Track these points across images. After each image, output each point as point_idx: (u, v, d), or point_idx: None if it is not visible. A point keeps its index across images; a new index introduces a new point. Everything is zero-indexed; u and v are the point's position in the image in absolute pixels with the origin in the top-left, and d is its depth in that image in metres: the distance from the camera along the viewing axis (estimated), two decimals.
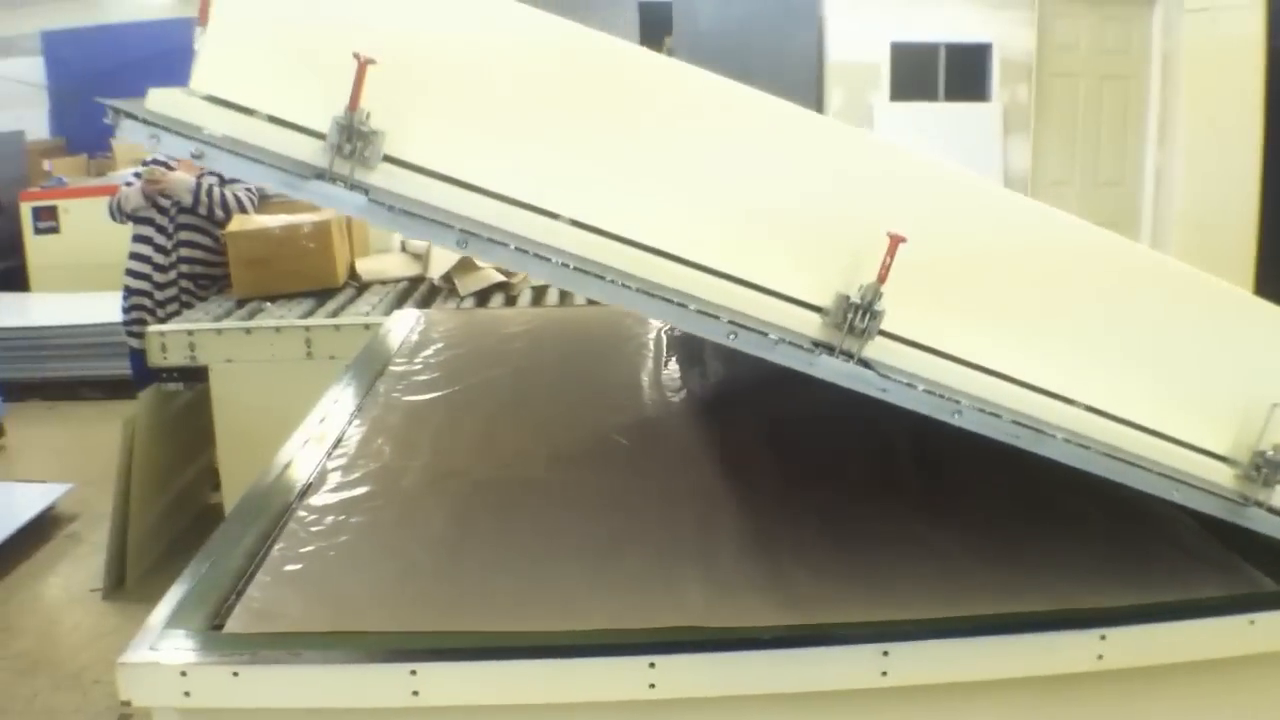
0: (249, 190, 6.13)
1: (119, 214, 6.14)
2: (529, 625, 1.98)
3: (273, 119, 1.76)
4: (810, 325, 1.90)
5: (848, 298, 1.86)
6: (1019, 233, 2.03)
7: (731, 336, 1.85)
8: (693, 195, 1.90)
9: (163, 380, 5.59)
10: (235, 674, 1.85)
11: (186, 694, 1.84)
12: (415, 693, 1.86)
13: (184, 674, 1.84)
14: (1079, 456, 1.97)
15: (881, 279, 1.84)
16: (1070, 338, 2.05)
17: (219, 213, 6.02)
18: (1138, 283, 2.09)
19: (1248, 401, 2.09)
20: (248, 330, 5.30)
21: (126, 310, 6.22)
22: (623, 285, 1.81)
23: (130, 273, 6.17)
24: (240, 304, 5.74)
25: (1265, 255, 7.23)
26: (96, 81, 12.35)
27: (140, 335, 5.67)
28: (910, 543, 2.31)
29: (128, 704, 1.86)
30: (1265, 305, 2.16)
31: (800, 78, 9.13)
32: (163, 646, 1.88)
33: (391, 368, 3.62)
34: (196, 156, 1.72)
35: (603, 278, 1.81)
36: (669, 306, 1.83)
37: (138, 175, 6.06)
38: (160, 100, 1.74)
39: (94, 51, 12.53)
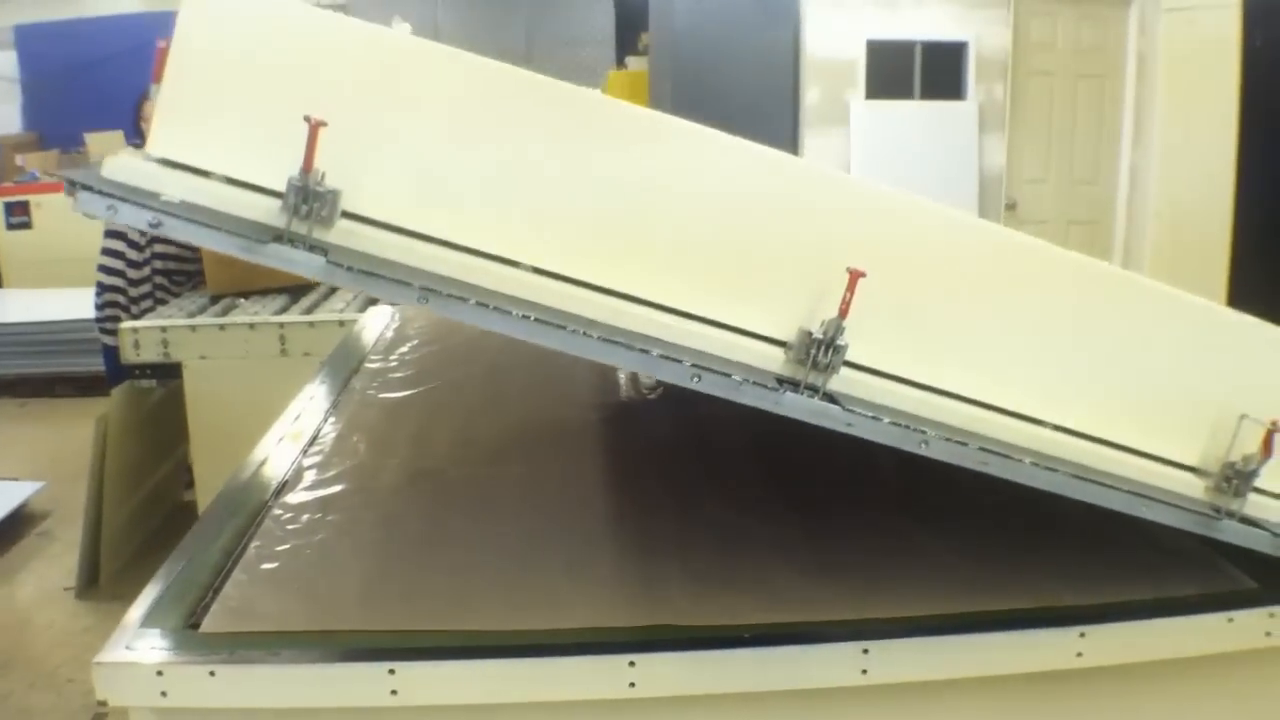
0: None
1: None
2: (508, 624, 1.97)
3: (230, 180, 1.75)
4: (774, 361, 1.89)
5: (810, 333, 1.86)
6: (979, 258, 2.03)
7: (695, 379, 1.83)
8: (651, 235, 1.89)
9: (136, 377, 5.54)
10: (212, 673, 1.83)
11: (163, 694, 1.82)
12: (394, 692, 1.85)
13: (160, 673, 1.82)
14: (1048, 480, 1.97)
15: (843, 314, 1.84)
16: (1035, 359, 2.06)
17: None
18: (1100, 301, 2.08)
19: (1216, 413, 2.10)
20: (222, 327, 5.27)
21: (100, 307, 6.18)
22: (584, 334, 1.80)
23: (103, 269, 6.12)
24: (214, 300, 5.71)
25: (1239, 254, 7.26)
26: (70, 76, 12.30)
27: (114, 332, 5.63)
28: (891, 540, 2.31)
29: (104, 704, 1.85)
30: (1229, 316, 2.17)
31: (777, 75, 9.13)
32: (139, 646, 1.86)
33: (367, 364, 3.61)
34: (154, 225, 1.70)
35: (564, 327, 1.79)
36: (631, 353, 1.81)
37: None
38: (116, 167, 1.73)
39: (67, 46, 12.48)
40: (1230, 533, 2.08)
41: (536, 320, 1.78)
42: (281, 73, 1.77)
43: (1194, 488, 2.09)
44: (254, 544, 2.25)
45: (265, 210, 1.72)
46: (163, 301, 5.92)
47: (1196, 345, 2.13)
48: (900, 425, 1.89)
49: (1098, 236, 9.16)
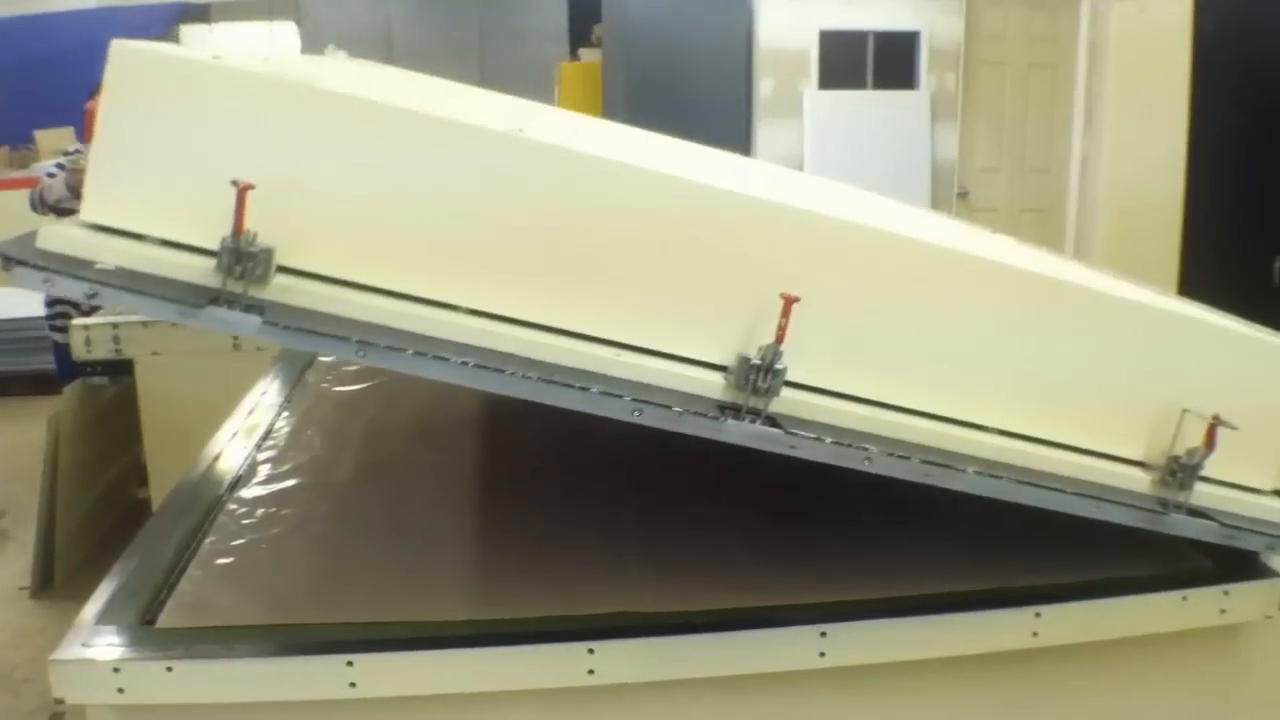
0: None
1: (41, 206, 6.02)
2: (466, 614, 1.97)
3: (164, 242, 1.73)
4: (714, 388, 1.89)
5: (748, 359, 1.86)
6: (913, 272, 2.03)
7: (636, 414, 1.82)
8: (587, 270, 1.89)
9: (88, 375, 5.50)
10: (169, 669, 1.82)
11: (120, 690, 1.82)
12: (353, 684, 1.85)
13: (117, 670, 1.82)
14: (991, 487, 1.98)
15: (779, 340, 1.84)
16: (974, 367, 2.07)
17: None
18: (1034, 306, 2.09)
19: (1158, 408, 2.12)
20: (174, 323, 5.21)
21: (50, 304, 6.12)
22: (523, 376, 1.78)
23: None
24: None
25: (1190, 241, 7.33)
26: (20, 72, 12.15)
27: (64, 330, 5.58)
28: (849, 525, 2.32)
29: (61, 702, 1.83)
30: (1165, 311, 2.19)
31: (730, 66, 9.14)
32: (95, 643, 1.85)
33: (320, 358, 3.59)
34: (90, 296, 1.69)
35: (502, 371, 1.77)
36: (571, 392, 1.80)
37: (60, 166, 5.96)
38: (51, 238, 1.72)
39: (19, 42, 12.36)
40: (1179, 526, 2.10)
41: (475, 366, 1.76)
42: (207, 133, 1.75)
43: (1140, 482, 2.11)
44: (209, 539, 2.24)
45: (201, 270, 1.71)
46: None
47: (1133, 343, 2.14)
48: (842, 444, 1.89)
49: (1049, 224, 9.21)
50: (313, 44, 17.48)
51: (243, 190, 1.65)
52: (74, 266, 1.68)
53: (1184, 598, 2.14)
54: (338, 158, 1.79)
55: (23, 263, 1.68)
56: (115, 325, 5.17)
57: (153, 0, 14.92)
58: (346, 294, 1.78)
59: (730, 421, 1.84)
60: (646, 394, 1.83)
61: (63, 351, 5.74)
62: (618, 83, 9.78)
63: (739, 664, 1.98)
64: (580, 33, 13.62)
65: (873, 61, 9.35)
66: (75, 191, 5.89)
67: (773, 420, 1.87)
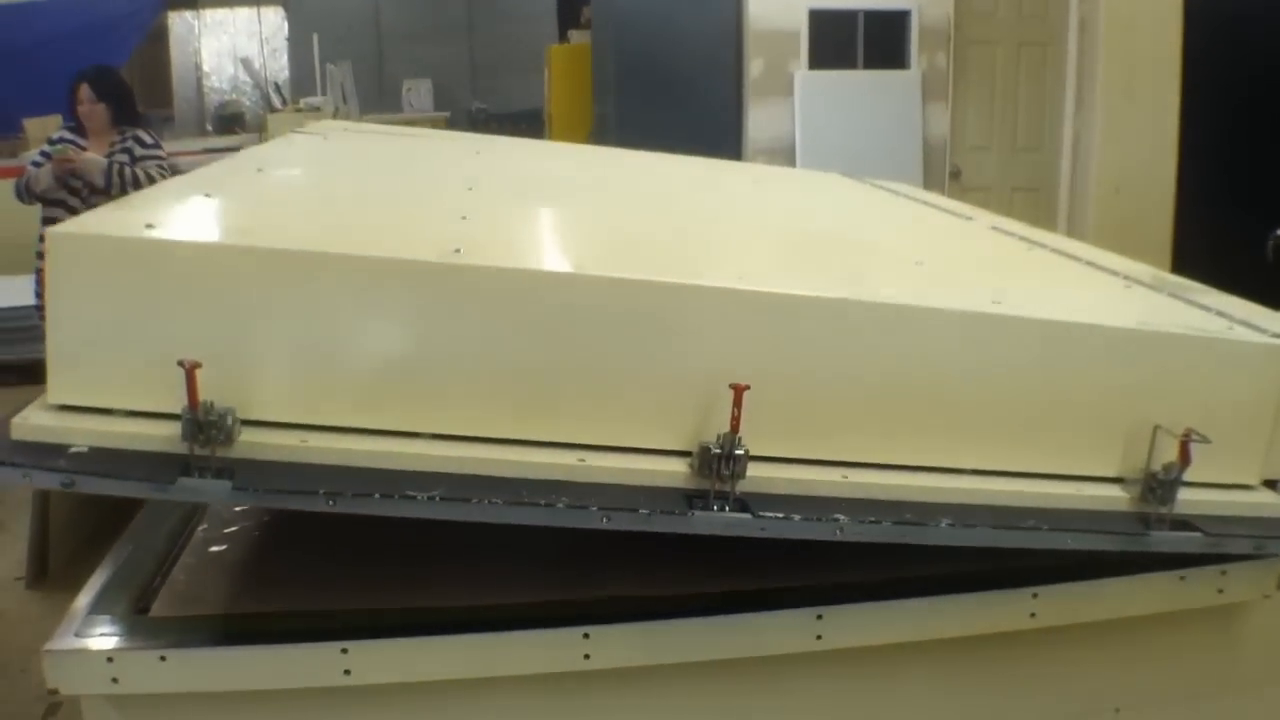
0: (161, 167, 6.01)
1: (27, 195, 5.99)
2: (460, 600, 1.96)
3: (131, 413, 1.78)
4: (680, 477, 1.90)
5: (709, 448, 1.86)
6: (858, 329, 2.02)
7: (605, 520, 1.82)
8: (534, 378, 1.91)
9: None
10: (163, 658, 1.81)
11: (114, 680, 1.81)
12: (347, 671, 1.84)
13: (110, 660, 1.81)
14: (965, 536, 1.97)
15: (734, 429, 1.85)
16: (938, 412, 2.06)
17: (132, 192, 5.90)
18: (987, 343, 2.08)
19: (1130, 425, 2.11)
20: None
21: (38, 294, 6.09)
22: (489, 503, 1.79)
23: (42, 255, 6.03)
24: None
25: (1182, 219, 7.32)
26: (8, 60, 12.07)
27: None
28: None
29: (56, 692, 1.82)
30: (1123, 329, 2.16)
31: (720, 47, 9.10)
32: (88, 633, 1.85)
33: None
34: (67, 485, 1.72)
35: (468, 500, 1.78)
36: (538, 510, 1.80)
37: (46, 155, 5.91)
38: (22, 428, 1.76)
39: (7, 29, 12.28)
40: (1162, 543, 2.08)
41: (442, 500, 1.77)
42: (152, 305, 1.80)
43: (1120, 501, 2.10)
44: (201, 527, 2.23)
45: (169, 437, 1.73)
46: None
47: (1094, 365, 2.12)
48: (811, 519, 1.89)
49: (1041, 203, 9.19)
50: (301, 29, 17.42)
51: (190, 369, 1.69)
52: (48, 456, 1.72)
53: (1182, 577, 2.13)
54: (279, 309, 1.84)
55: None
56: None
57: None
58: (312, 438, 1.81)
59: (698, 514, 1.85)
60: (613, 498, 1.84)
61: None
62: (607, 65, 9.74)
63: (735, 647, 1.97)
64: (569, 14, 13.57)
65: (863, 41, 9.31)
66: (61, 181, 5.86)
67: (741, 503, 1.88)
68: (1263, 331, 2.23)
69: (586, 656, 1.89)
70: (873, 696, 2.13)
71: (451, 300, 1.86)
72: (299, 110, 12.54)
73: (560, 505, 1.80)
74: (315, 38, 13.93)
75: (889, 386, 2.02)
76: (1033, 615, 2.06)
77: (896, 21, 9.30)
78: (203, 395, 1.70)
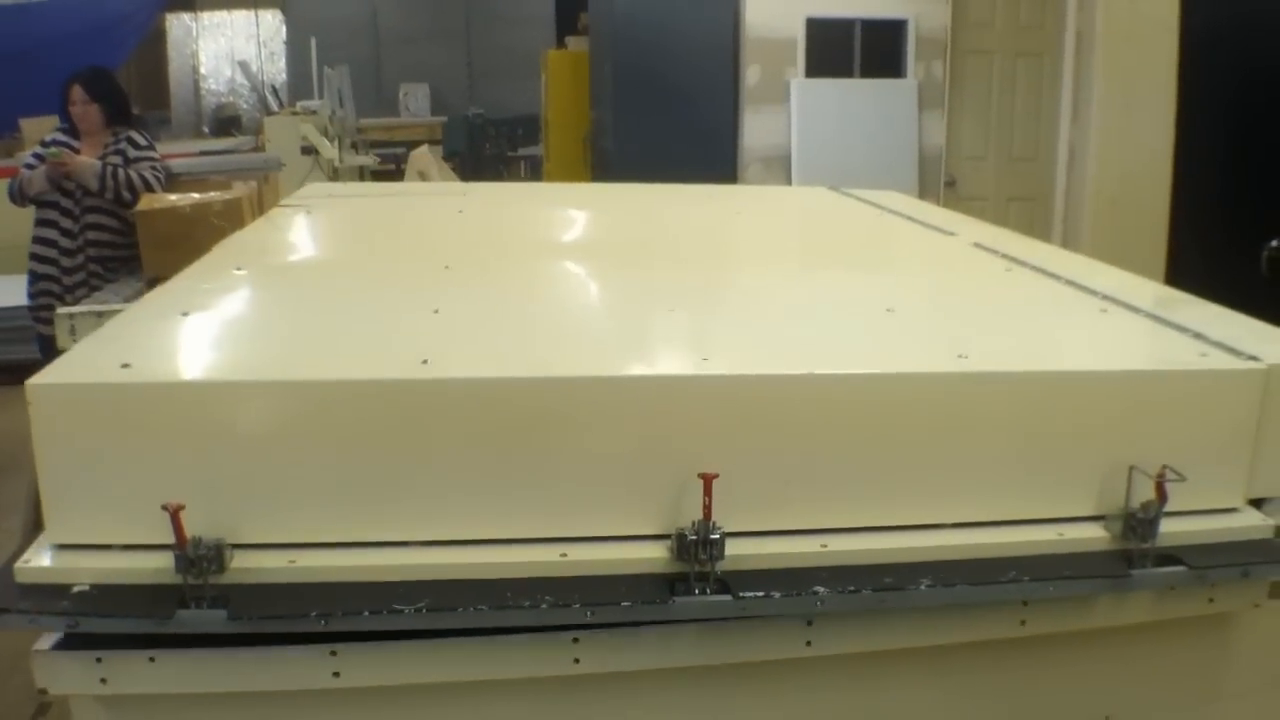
0: (155, 168, 6.01)
1: (20, 198, 5.96)
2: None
3: (127, 546, 1.83)
4: (661, 562, 1.92)
5: (684, 535, 1.89)
6: (823, 403, 2.03)
7: (590, 615, 1.86)
8: (510, 477, 1.94)
9: None
10: (151, 659, 1.81)
11: (103, 680, 1.82)
12: (336, 674, 1.84)
13: (99, 660, 1.81)
14: (946, 596, 1.98)
15: (707, 516, 1.88)
16: (908, 473, 2.06)
17: (126, 195, 5.88)
18: (961, 399, 2.08)
19: (1107, 464, 2.10)
20: None
21: (34, 295, 6.07)
22: (475, 609, 1.83)
23: (36, 257, 6.02)
24: (151, 284, 5.62)
25: (1178, 231, 7.34)
26: (5, 61, 12.05)
27: (48, 320, 5.54)
28: None
29: (45, 692, 1.83)
30: (1095, 373, 2.16)
31: (717, 54, 9.11)
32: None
33: None
34: (72, 627, 1.79)
35: (455, 609, 1.82)
36: (523, 612, 1.84)
37: (39, 157, 5.90)
38: (25, 570, 1.82)
39: (4, 30, 12.26)
40: (1146, 582, 2.08)
41: (429, 610, 1.81)
42: (134, 444, 1.86)
43: (1102, 540, 2.10)
44: None
45: (167, 568, 1.79)
46: (97, 287, 5.82)
47: (1064, 412, 2.12)
48: (792, 595, 1.91)
49: (1037, 213, 9.21)
50: (299, 32, 17.42)
51: (174, 512, 1.75)
52: (52, 598, 1.79)
53: (1172, 587, 2.13)
54: (257, 437, 1.89)
55: (5, 610, 1.78)
56: (100, 314, 5.13)
57: None
58: (301, 557, 1.87)
59: (679, 600, 1.88)
60: (596, 592, 1.88)
61: (47, 341, 5.69)
62: (604, 71, 9.76)
63: (725, 653, 1.97)
64: (567, 21, 13.58)
65: (860, 49, 9.32)
66: (55, 184, 5.85)
67: (722, 583, 1.90)
68: (1238, 354, 2.22)
69: (576, 661, 1.89)
70: (861, 703, 2.12)
71: (422, 413, 1.91)
72: (295, 113, 12.52)
73: (544, 606, 1.84)
74: (313, 41, 13.92)
75: (861, 451, 2.04)
76: (1023, 623, 2.06)
77: (893, 30, 9.32)
78: (191, 528, 1.77)
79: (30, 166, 5.92)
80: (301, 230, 3.40)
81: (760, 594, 1.90)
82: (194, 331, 2.21)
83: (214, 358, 2.14)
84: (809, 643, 1.96)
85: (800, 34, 9.10)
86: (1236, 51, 6.79)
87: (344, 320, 2.34)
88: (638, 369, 2.05)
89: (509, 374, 1.95)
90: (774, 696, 2.06)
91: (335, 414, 1.89)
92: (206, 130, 17.87)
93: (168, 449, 1.85)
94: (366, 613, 1.80)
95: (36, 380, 1.86)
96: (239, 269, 2.74)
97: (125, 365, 1.92)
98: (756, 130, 9.08)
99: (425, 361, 1.96)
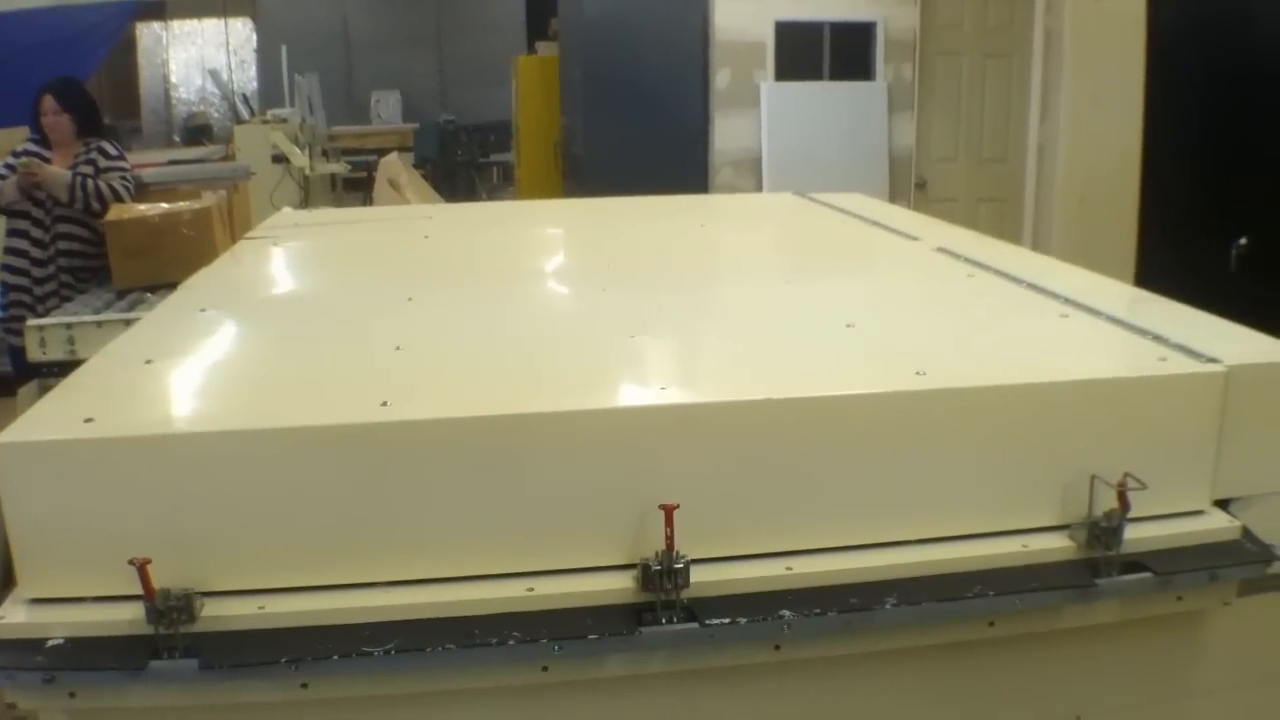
0: (124, 178, 6.00)
1: None
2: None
3: (100, 598, 1.86)
4: (628, 592, 1.94)
5: (649, 565, 1.90)
6: (792, 425, 2.03)
7: (557, 649, 1.87)
8: (473, 513, 1.95)
9: (44, 376, 5.44)
10: None
11: (71, 695, 1.82)
12: (304, 685, 1.84)
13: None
14: (912, 614, 1.99)
15: (669, 547, 1.89)
16: (876, 488, 2.07)
17: (95, 205, 5.88)
18: (922, 417, 2.09)
19: (1069, 474, 2.12)
20: (128, 322, 5.16)
21: (4, 307, 6.06)
22: (443, 648, 1.84)
23: (6, 268, 6.00)
24: (121, 295, 5.61)
25: (1147, 230, 7.36)
26: None
27: (19, 332, 5.52)
28: None
29: (14, 707, 1.84)
30: (1053, 384, 2.15)
31: (687, 58, 9.13)
32: None
33: None
34: (48, 681, 1.79)
35: (423, 649, 1.83)
36: (490, 649, 1.85)
37: (10, 167, 5.89)
38: (3, 629, 1.84)
39: None
40: (1112, 591, 2.09)
41: (399, 651, 1.83)
42: (101, 496, 1.88)
43: (1067, 550, 2.10)
44: None
45: (139, 619, 1.81)
46: (68, 298, 5.81)
47: (1028, 422, 2.13)
48: (758, 620, 1.92)
49: (1007, 214, 9.25)
50: (270, 40, 17.38)
51: (141, 566, 1.77)
52: (28, 653, 1.81)
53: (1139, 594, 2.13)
54: (221, 486, 1.90)
55: None
56: (69, 326, 5.13)
57: None
58: (270, 603, 1.88)
59: (646, 631, 1.90)
60: (563, 625, 1.89)
61: (18, 354, 5.68)
62: (574, 76, 9.77)
63: (695, 659, 1.97)
64: (537, 26, 13.59)
65: (829, 52, 9.35)
66: (25, 194, 5.83)
67: (689, 610, 1.91)
68: (1198, 356, 2.23)
69: (544, 669, 1.89)
70: (829, 705, 2.12)
71: (382, 455, 1.92)
72: (266, 122, 12.48)
73: (512, 641, 1.85)
74: (283, 49, 13.88)
75: (822, 473, 2.05)
76: (991, 624, 2.07)
77: (862, 33, 9.36)
78: (161, 578, 1.79)
79: (2, 177, 5.91)
80: (266, 265, 3.40)
81: (726, 620, 1.91)
82: (157, 380, 2.22)
83: (176, 408, 2.15)
84: (777, 647, 1.98)
85: (769, 37, 9.13)
86: (1204, 49, 6.81)
87: (306, 363, 2.35)
88: (597, 402, 2.05)
89: (467, 413, 1.95)
90: (742, 700, 2.06)
91: (297, 460, 1.91)
92: (177, 139, 17.84)
93: (134, 501, 1.87)
94: (336, 656, 1.81)
95: (2, 439, 1.88)
96: (203, 310, 2.73)
97: (89, 420, 1.94)
98: (727, 134, 9.10)
99: (385, 403, 1.97)
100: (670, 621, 1.90)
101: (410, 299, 2.80)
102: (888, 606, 1.96)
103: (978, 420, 2.10)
